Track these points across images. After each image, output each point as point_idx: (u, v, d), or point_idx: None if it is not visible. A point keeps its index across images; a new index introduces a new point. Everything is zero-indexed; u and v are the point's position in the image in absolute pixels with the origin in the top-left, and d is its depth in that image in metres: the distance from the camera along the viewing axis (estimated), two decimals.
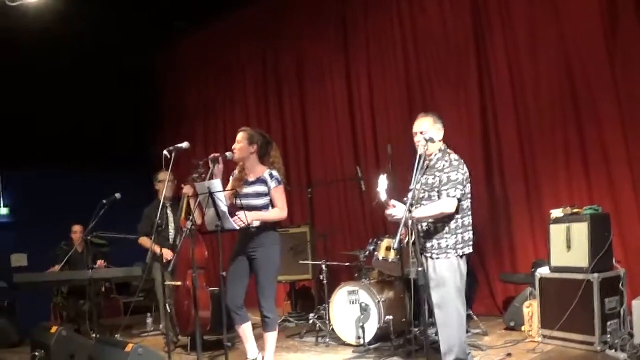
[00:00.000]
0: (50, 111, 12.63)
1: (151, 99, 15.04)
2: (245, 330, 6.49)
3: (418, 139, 5.66)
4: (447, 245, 5.52)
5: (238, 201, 6.20)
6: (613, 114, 7.66)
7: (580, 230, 6.77)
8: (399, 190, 5.92)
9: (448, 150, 5.69)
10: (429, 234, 5.56)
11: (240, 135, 6.42)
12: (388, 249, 7.40)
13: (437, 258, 5.52)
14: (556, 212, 7.16)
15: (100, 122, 13.41)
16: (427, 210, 5.43)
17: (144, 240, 8.74)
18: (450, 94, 9.34)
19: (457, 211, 5.52)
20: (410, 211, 5.25)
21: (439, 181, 5.52)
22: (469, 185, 5.62)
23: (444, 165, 5.55)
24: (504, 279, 8.59)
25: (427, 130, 5.61)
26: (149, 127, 14.72)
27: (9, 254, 13.09)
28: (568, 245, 6.87)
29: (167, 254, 8.11)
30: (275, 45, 12.30)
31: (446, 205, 5.45)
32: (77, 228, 10.37)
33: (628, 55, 7.53)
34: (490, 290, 9.04)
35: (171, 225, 8.47)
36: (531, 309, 7.36)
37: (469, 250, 5.61)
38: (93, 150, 13.23)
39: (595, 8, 7.78)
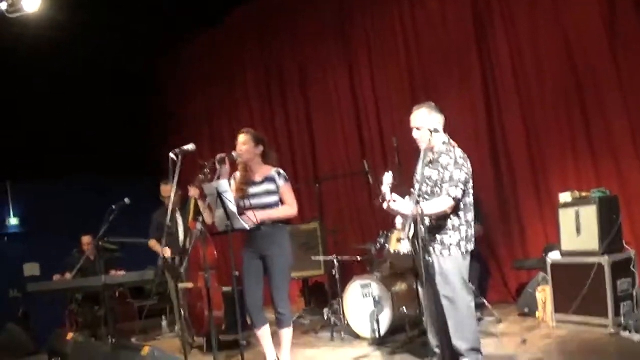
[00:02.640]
0: (58, 120, 12.69)
1: (156, 105, 15.08)
2: (265, 332, 6.50)
3: (416, 135, 5.64)
4: (450, 242, 5.51)
5: (247, 202, 6.22)
6: (616, 98, 7.62)
7: (589, 214, 6.78)
8: (406, 183, 5.93)
9: (452, 143, 5.64)
10: (432, 230, 5.52)
11: (243, 137, 6.44)
12: (398, 240, 7.40)
13: (440, 254, 5.51)
14: (564, 197, 7.16)
15: (107, 129, 13.48)
16: (426, 208, 5.39)
17: (154, 244, 8.77)
18: (454, 85, 9.33)
19: (459, 208, 5.50)
20: (417, 202, 5.23)
21: (442, 178, 5.49)
22: (471, 181, 5.59)
23: (447, 162, 5.49)
24: (516, 266, 8.57)
25: (423, 123, 5.56)
26: (154, 132, 14.76)
27: (22, 264, 13.17)
28: (578, 229, 6.88)
29: (166, 251, 8.10)
30: (276, 45, 12.34)
31: (444, 204, 5.42)
32: (86, 239, 10.39)
33: (628, 41, 7.50)
34: (502, 277, 9.03)
35: (180, 228, 8.48)
36: (544, 294, 7.37)
37: (471, 247, 5.59)
38: (100, 157, 13.28)
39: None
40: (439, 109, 5.72)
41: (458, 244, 5.50)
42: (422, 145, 5.55)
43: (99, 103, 13.24)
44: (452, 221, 5.52)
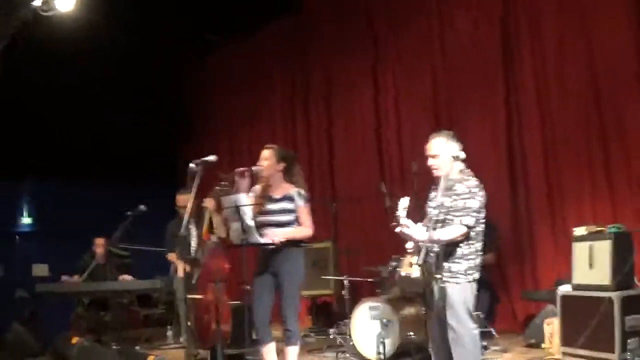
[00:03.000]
0: (77, 122, 12.72)
1: (179, 112, 15.14)
2: (270, 349, 6.47)
3: (431, 163, 5.62)
4: (458, 270, 5.46)
5: (264, 218, 6.23)
6: (638, 131, 7.64)
7: (603, 249, 6.75)
8: (422, 209, 5.93)
9: (467, 171, 5.63)
10: (440, 257, 5.50)
11: (267, 153, 6.42)
12: (411, 265, 7.39)
13: (447, 281, 5.50)
14: (580, 230, 7.14)
15: (127, 134, 13.47)
16: (439, 235, 5.38)
17: (172, 257, 8.78)
18: (477, 110, 9.37)
19: (470, 237, 5.48)
20: (432, 229, 5.21)
21: (455, 206, 5.48)
22: (484, 211, 5.58)
23: (462, 191, 5.47)
24: (526, 297, 8.56)
25: (441, 151, 5.56)
26: (175, 141, 14.81)
27: (31, 264, 13.19)
28: (590, 264, 6.85)
29: (180, 269, 8.13)
30: (304, 60, 12.41)
31: (457, 232, 5.39)
32: (100, 242, 10.37)
33: None
34: (511, 307, 9.01)
35: (194, 241, 8.48)
36: (552, 327, 7.33)
37: (478, 275, 5.56)
38: (118, 162, 13.30)
39: (624, 25, 7.78)
40: (457, 137, 5.72)
41: (466, 273, 5.48)
42: (441, 173, 5.54)
43: (120, 106, 13.27)
44: (462, 249, 5.50)
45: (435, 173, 5.58)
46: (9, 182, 13.14)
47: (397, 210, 5.47)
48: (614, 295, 6.49)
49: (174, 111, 15.10)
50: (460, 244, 5.46)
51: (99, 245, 10.35)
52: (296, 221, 6.38)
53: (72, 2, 7.96)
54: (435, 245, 5.31)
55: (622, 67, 7.80)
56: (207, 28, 12.51)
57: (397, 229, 5.52)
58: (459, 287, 5.45)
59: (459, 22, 9.67)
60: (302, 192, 6.40)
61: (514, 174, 9.01)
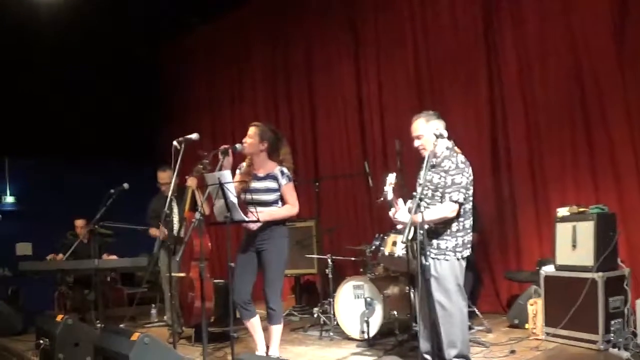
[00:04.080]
0: (58, 101, 12.69)
1: (159, 92, 15.09)
2: (254, 324, 6.49)
3: (417, 144, 5.68)
4: (447, 247, 5.51)
5: (248, 196, 6.21)
6: (621, 114, 7.67)
7: (586, 230, 6.78)
8: (408, 187, 5.93)
9: (455, 149, 5.65)
10: (429, 234, 5.49)
11: (252, 130, 6.41)
12: (394, 244, 7.40)
13: (436, 258, 5.51)
14: (562, 211, 7.17)
15: (108, 113, 13.49)
16: (429, 214, 5.36)
17: (154, 231, 8.78)
18: (460, 91, 9.35)
19: (459, 214, 5.50)
20: (415, 212, 5.19)
21: (443, 182, 5.50)
22: (472, 188, 5.60)
23: (450, 167, 5.50)
24: (509, 277, 8.60)
25: (423, 131, 5.61)
26: (156, 120, 14.77)
27: (14, 243, 13.16)
28: (574, 244, 6.88)
29: (163, 232, 8.10)
30: (285, 40, 12.33)
31: (448, 209, 5.43)
32: (80, 222, 10.40)
33: (637, 56, 7.53)
34: (494, 288, 9.05)
35: (175, 218, 8.45)
36: (535, 307, 7.37)
37: (467, 253, 5.60)
38: (100, 141, 13.29)
39: (605, 8, 7.78)
40: (438, 115, 5.73)
41: (454, 250, 5.51)
42: (426, 152, 5.55)
43: (101, 84, 13.23)
44: (450, 227, 5.53)
45: (423, 154, 5.60)
46: None
47: (384, 185, 5.47)
48: (598, 276, 6.53)
49: (156, 90, 15.04)
50: (448, 221, 5.49)
51: (79, 226, 10.36)
52: (280, 200, 6.38)
53: None
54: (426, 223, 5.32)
55: (603, 52, 7.80)
56: (186, 7, 12.39)
57: (390, 213, 5.54)
58: (448, 264, 5.49)
59: (440, 4, 9.62)
60: (285, 170, 6.37)
61: (496, 155, 9.02)
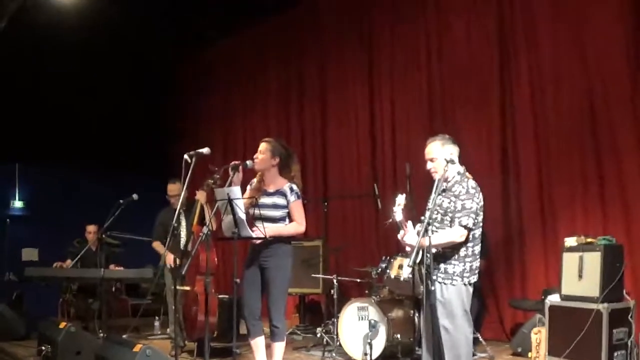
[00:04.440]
0: (72, 109, 12.74)
1: (173, 104, 15.13)
2: (259, 344, 6.45)
3: (430, 166, 5.64)
4: (454, 272, 5.47)
5: (256, 211, 6.21)
6: (632, 145, 7.65)
7: (593, 260, 6.75)
8: (417, 210, 5.92)
9: (467, 174, 5.62)
10: (437, 258, 5.47)
11: (263, 146, 6.41)
12: (400, 267, 7.39)
13: (443, 283, 5.50)
14: (570, 241, 7.14)
15: (121, 122, 13.52)
16: (438, 238, 5.35)
17: (157, 245, 8.79)
18: (472, 114, 9.35)
19: (468, 240, 5.47)
20: (424, 235, 5.18)
21: (453, 207, 5.48)
22: (482, 214, 5.59)
23: (460, 191, 5.48)
24: (513, 305, 8.57)
25: (437, 155, 5.58)
26: (168, 132, 14.80)
27: (21, 248, 13.19)
28: (580, 275, 6.85)
29: (170, 259, 8.17)
30: (299, 57, 12.37)
31: (456, 234, 5.39)
32: (91, 228, 10.40)
33: None
34: (499, 315, 9.01)
35: (183, 232, 8.47)
36: (539, 336, 7.34)
37: (474, 279, 5.55)
38: (111, 150, 13.33)
39: (620, 36, 7.78)
40: (454, 140, 5.72)
41: (462, 275, 5.48)
42: (437, 176, 5.55)
43: (115, 96, 13.28)
44: (459, 252, 5.51)
45: (435, 177, 5.59)
46: (2, 165, 13.16)
47: (393, 206, 5.47)
48: (603, 307, 6.50)
49: (170, 102, 15.09)
50: (457, 246, 5.46)
51: (91, 232, 10.37)
52: (287, 217, 6.38)
53: None
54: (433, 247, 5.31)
55: (617, 78, 7.79)
56: (205, 22, 12.45)
57: (399, 236, 5.53)
58: (455, 289, 5.44)
59: (455, 25, 9.64)
60: (295, 187, 6.36)
61: (506, 181, 8.99)
